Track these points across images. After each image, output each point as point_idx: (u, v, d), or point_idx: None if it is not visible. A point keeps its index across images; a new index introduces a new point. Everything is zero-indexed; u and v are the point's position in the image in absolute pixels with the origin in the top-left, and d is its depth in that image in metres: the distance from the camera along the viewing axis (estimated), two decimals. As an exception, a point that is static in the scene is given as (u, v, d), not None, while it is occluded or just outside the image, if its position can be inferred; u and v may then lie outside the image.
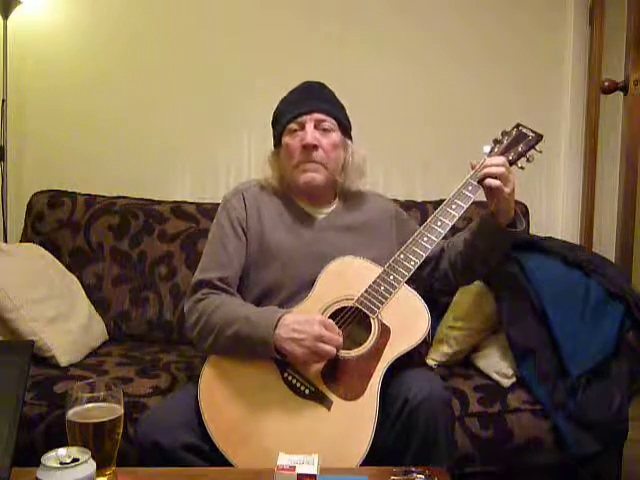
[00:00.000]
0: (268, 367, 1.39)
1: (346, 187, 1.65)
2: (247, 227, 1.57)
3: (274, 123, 1.66)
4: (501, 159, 1.49)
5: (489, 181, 1.45)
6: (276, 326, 1.34)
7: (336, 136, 1.59)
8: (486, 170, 1.47)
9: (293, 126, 1.57)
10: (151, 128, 2.51)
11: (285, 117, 1.59)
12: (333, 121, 1.59)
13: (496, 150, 1.56)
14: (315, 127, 1.56)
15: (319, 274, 1.49)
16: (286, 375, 1.37)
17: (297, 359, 1.34)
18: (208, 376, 1.41)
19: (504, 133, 1.60)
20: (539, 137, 1.58)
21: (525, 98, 2.57)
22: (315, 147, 1.54)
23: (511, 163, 1.54)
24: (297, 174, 1.57)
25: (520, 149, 1.55)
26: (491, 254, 1.57)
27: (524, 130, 1.59)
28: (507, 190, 1.45)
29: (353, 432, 1.30)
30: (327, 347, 1.32)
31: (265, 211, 1.59)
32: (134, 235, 2.22)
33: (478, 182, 1.49)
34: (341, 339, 1.35)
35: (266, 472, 1.10)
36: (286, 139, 1.58)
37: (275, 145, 1.66)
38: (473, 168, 1.52)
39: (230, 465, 1.30)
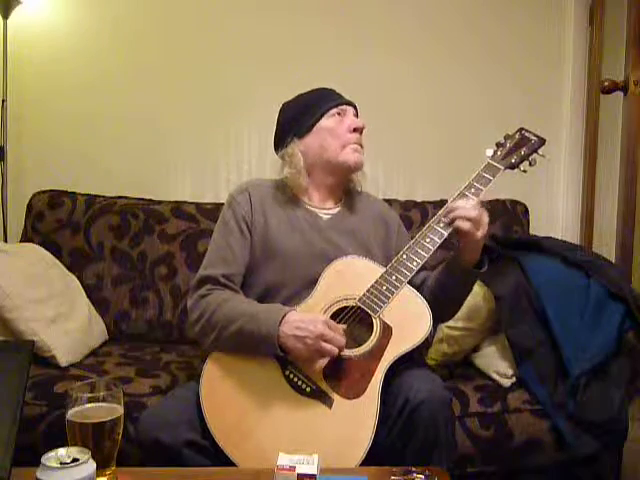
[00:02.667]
0: (270, 365, 1.38)
1: (352, 186, 1.68)
2: (252, 225, 1.57)
3: (302, 117, 1.62)
4: (471, 202, 1.43)
5: (458, 223, 1.41)
6: (280, 323, 1.35)
7: None
8: (456, 213, 1.42)
9: (335, 111, 1.61)
10: (151, 128, 2.51)
11: (325, 104, 1.62)
12: None
13: (499, 153, 1.55)
14: None
15: (322, 273, 1.49)
16: (287, 373, 1.37)
17: (299, 356, 1.35)
18: (210, 373, 1.40)
19: (507, 137, 1.59)
20: (542, 141, 1.57)
21: (525, 98, 2.57)
22: (361, 131, 1.61)
23: (514, 166, 1.54)
24: (346, 154, 1.59)
25: (523, 153, 1.55)
26: (457, 293, 1.55)
27: (527, 134, 1.59)
28: (479, 234, 1.42)
29: (354, 431, 1.29)
30: (329, 346, 1.32)
31: (270, 209, 1.60)
32: (134, 235, 2.22)
33: (449, 223, 1.44)
34: (344, 340, 1.35)
35: (266, 472, 1.10)
36: (328, 122, 1.61)
37: (300, 135, 1.61)
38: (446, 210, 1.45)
39: (231, 462, 1.30)
